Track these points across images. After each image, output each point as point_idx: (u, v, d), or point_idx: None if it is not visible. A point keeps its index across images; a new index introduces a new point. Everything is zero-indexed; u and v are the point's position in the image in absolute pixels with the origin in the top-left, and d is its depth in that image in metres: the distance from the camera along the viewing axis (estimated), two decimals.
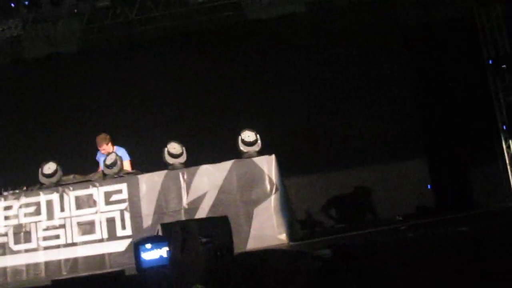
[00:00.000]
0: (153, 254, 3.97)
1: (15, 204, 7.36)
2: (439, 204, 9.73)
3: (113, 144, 8.24)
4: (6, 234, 7.30)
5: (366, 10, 10.43)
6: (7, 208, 7.37)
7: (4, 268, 7.20)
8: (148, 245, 3.95)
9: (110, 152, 7.73)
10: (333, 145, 10.15)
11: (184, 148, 7.39)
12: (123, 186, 7.23)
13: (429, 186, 10.04)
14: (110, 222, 7.16)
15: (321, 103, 10.42)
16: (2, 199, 7.42)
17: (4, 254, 7.25)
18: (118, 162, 7.43)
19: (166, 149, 7.33)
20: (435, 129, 10.26)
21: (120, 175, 7.41)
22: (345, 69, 10.52)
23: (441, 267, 4.42)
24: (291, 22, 10.39)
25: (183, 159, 7.34)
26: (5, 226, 7.31)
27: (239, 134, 7.33)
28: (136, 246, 4.05)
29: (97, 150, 8.37)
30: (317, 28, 10.62)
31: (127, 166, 7.92)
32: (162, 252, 3.97)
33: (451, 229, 5.97)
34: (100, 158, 8.24)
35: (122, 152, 8.08)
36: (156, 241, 4.01)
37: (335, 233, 8.18)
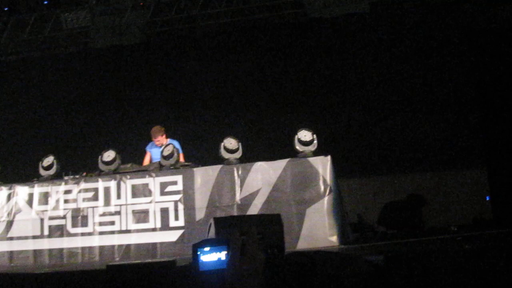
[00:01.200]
0: (212, 256, 3.95)
1: (75, 188, 7.59)
2: (497, 217, 9.39)
3: (167, 136, 8.41)
4: (64, 217, 7.53)
5: (431, 12, 10.20)
6: (67, 192, 7.61)
7: (61, 250, 7.45)
8: (207, 248, 3.94)
9: (167, 144, 7.86)
10: (390, 148, 9.98)
11: (240, 143, 7.41)
12: (179, 178, 7.30)
13: (487, 198, 9.70)
14: (164, 212, 7.25)
15: (379, 105, 10.26)
16: (63, 183, 7.67)
17: (61, 236, 7.49)
18: (175, 154, 7.54)
19: (222, 143, 7.38)
20: (496, 139, 9.90)
21: (176, 167, 7.51)
22: (407, 72, 10.32)
23: (499, 282, 4.26)
24: (351, 21, 10.28)
25: (238, 154, 7.36)
26: (64, 209, 7.55)
27: (296, 133, 7.29)
28: (195, 248, 4.06)
29: (149, 140, 8.55)
30: (379, 28, 10.46)
31: (180, 158, 8.03)
32: (221, 255, 3.95)
33: (510, 243, 5.75)
34: (152, 149, 8.40)
35: (176, 144, 8.21)
36: (215, 243, 4.00)
37: (387, 239, 8.04)
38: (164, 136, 8.38)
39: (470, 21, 10.21)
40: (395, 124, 10.13)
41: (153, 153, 8.41)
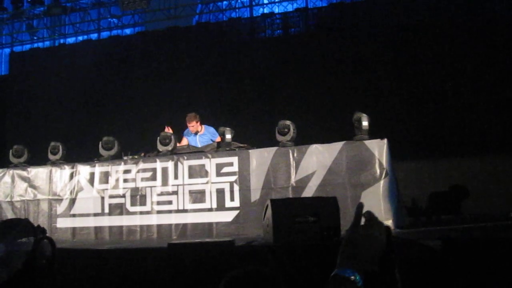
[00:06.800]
0: None
1: (134, 168, 7.82)
2: None
3: (201, 123, 8.49)
4: (124, 196, 7.79)
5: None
6: (126, 171, 7.85)
7: (121, 227, 7.71)
8: None
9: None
10: (447, 132, 9.79)
11: (295, 126, 7.42)
12: (235, 160, 7.40)
13: None
14: (220, 193, 7.37)
15: (437, 87, 10.07)
16: (122, 163, 7.92)
17: (121, 214, 7.75)
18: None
19: (277, 126, 7.42)
20: None
21: (232, 149, 7.61)
22: (464, 54, 10.08)
23: None
24: (413, 6, 10.08)
25: (293, 137, 7.38)
26: (124, 188, 7.80)
27: (351, 116, 7.24)
28: None
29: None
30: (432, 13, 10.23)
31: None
32: None
33: None
34: (189, 137, 8.50)
35: (212, 130, 8.38)
36: None
37: (442, 224, 7.92)
38: (198, 123, 8.44)
39: None
40: (453, 107, 9.91)
41: (190, 140, 8.52)
